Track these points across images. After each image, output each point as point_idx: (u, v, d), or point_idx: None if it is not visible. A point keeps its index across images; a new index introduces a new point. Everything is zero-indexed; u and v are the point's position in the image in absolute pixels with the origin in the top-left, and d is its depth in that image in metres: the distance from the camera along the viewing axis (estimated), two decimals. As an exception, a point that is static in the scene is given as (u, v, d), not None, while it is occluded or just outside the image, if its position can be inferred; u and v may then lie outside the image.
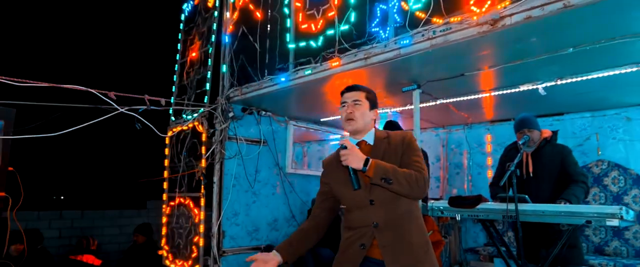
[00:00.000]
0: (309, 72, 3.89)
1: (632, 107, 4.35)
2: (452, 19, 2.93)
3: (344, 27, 3.68)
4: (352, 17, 3.63)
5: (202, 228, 4.78)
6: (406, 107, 4.77)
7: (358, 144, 2.04)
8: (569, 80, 3.65)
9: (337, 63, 3.66)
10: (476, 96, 4.30)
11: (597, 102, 4.38)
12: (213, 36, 5.22)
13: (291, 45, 4.18)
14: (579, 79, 3.59)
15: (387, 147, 2.00)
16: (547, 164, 3.41)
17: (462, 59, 3.34)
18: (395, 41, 3.27)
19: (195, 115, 5.12)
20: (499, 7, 2.71)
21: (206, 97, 5.09)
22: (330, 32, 3.79)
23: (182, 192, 5.19)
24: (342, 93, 2.09)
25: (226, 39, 5.02)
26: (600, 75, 3.45)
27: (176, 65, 5.94)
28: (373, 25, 3.46)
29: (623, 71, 3.36)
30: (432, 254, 1.99)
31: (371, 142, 2.04)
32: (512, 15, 2.67)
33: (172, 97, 5.63)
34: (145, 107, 4.21)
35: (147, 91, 4.48)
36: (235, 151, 4.92)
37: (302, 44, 4.06)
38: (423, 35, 3.10)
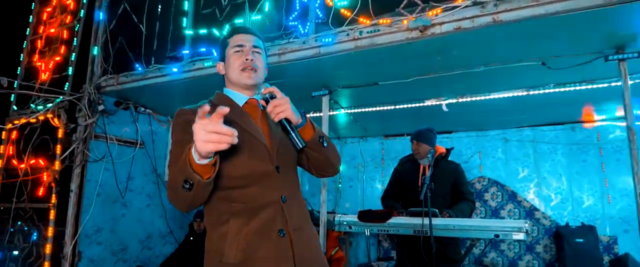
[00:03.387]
0: (210, 64, 3.34)
1: (509, 129, 4.79)
2: (381, 21, 2.74)
3: (256, 17, 3.25)
4: (266, 6, 3.22)
5: (48, 249, 3.76)
6: (312, 115, 4.49)
7: (248, 102, 1.49)
8: (468, 99, 3.80)
9: (246, 56, 3.20)
10: (380, 108, 4.24)
11: (481, 123, 4.73)
12: (82, 11, 4.26)
13: (188, 32, 3.57)
14: (477, 98, 3.77)
15: None
16: (441, 179, 3.46)
17: (380, 66, 3.19)
18: (316, 38, 2.96)
19: (50, 105, 4.06)
20: (430, 13, 2.62)
21: (67, 84, 4.09)
22: (239, 20, 3.31)
23: (21, 202, 4.04)
24: (232, 34, 1.53)
25: (100, 15, 4.12)
26: (498, 96, 3.66)
27: (25, 42, 4.72)
28: (291, 18, 3.10)
29: (516, 94, 3.62)
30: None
31: (262, 107, 1.47)
32: (443, 24, 2.60)
33: (16, 81, 4.40)
34: (-24, 87, 3.13)
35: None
36: (103, 152, 4.02)
37: (203, 31, 3.49)
38: (348, 34, 2.85)
